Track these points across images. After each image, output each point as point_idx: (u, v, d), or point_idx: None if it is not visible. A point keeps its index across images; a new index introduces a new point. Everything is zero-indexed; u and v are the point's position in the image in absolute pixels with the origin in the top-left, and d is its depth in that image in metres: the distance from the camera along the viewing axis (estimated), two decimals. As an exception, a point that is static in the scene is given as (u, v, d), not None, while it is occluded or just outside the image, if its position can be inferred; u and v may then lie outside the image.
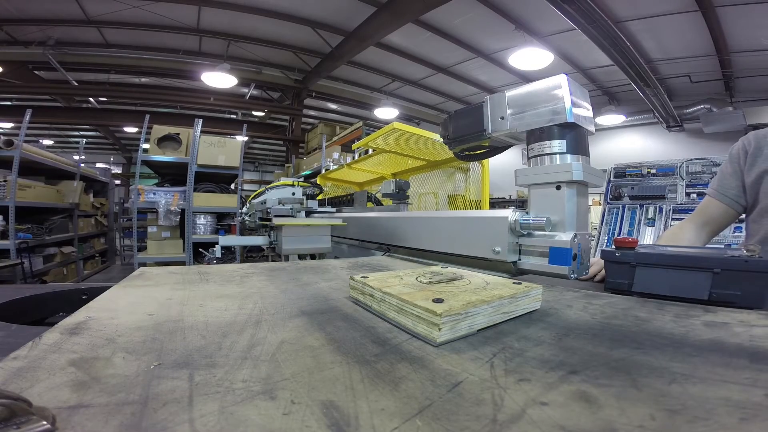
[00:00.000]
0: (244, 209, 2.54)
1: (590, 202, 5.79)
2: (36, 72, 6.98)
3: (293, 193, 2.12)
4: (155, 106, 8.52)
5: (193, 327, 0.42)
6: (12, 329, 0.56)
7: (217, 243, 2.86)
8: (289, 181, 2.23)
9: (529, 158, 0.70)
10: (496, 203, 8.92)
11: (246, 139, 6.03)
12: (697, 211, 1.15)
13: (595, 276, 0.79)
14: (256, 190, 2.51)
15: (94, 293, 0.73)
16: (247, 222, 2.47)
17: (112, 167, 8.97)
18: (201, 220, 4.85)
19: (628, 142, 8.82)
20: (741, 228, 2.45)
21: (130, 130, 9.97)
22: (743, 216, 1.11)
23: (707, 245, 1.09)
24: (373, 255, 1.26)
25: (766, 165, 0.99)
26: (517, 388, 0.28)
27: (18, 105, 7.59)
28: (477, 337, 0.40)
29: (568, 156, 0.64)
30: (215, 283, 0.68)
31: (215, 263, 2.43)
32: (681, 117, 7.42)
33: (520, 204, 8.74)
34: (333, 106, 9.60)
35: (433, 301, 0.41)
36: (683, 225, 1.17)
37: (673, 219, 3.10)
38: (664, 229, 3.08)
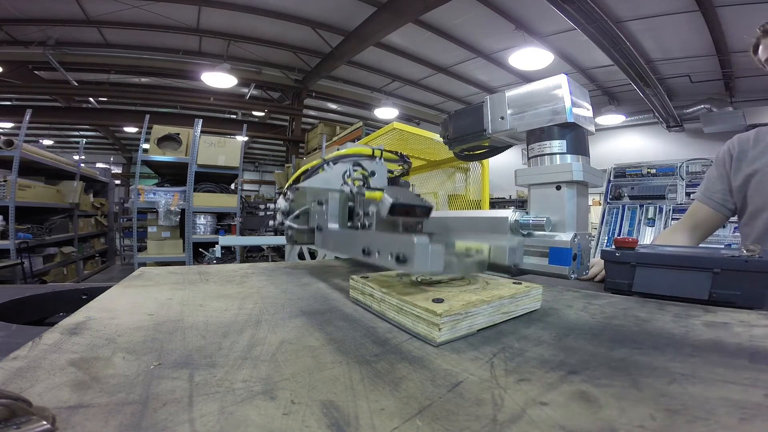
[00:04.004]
0: (282, 203, 0.98)
1: (590, 202, 5.79)
2: (36, 72, 6.98)
3: (373, 172, 0.98)
4: (155, 106, 8.51)
5: (193, 327, 0.42)
6: (12, 329, 0.56)
7: (217, 243, 2.85)
8: (363, 148, 1.02)
9: (529, 158, 0.69)
10: (496, 203, 8.92)
11: (246, 139, 6.03)
12: (687, 215, 1.16)
13: (595, 276, 0.79)
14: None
15: (94, 293, 0.73)
16: (293, 233, 0.91)
17: (112, 167, 8.97)
18: (201, 220, 4.85)
19: (628, 142, 8.82)
20: (741, 228, 2.44)
21: (130, 130, 9.96)
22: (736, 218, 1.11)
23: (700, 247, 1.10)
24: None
25: (751, 168, 0.99)
26: (517, 388, 0.28)
27: (18, 105, 7.58)
28: (477, 337, 0.40)
29: (568, 156, 0.64)
30: (215, 283, 0.68)
31: (215, 263, 2.33)
32: (681, 117, 7.42)
33: (520, 204, 8.75)
34: (333, 106, 9.60)
35: (433, 301, 0.41)
36: (675, 229, 1.18)
37: (673, 219, 3.11)
38: (665, 229, 3.08)
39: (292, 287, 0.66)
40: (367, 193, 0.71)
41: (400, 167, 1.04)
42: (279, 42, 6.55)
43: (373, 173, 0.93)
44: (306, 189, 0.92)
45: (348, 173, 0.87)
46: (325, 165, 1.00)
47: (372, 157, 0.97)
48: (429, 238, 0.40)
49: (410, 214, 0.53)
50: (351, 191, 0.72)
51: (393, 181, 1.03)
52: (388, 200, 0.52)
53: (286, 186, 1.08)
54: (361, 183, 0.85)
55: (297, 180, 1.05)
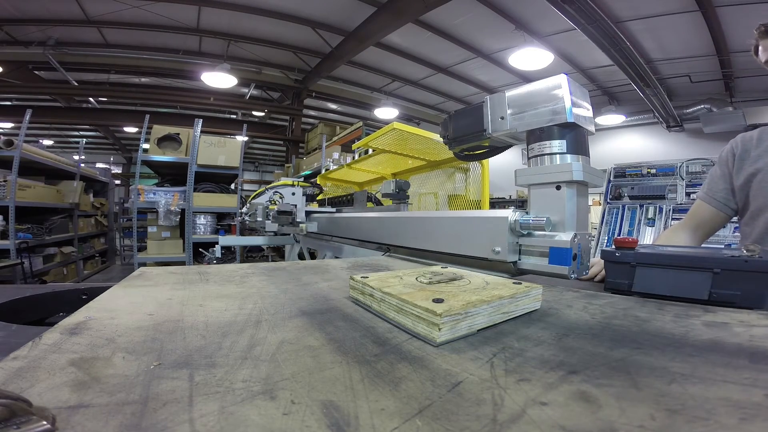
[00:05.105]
0: (244, 209, 2.46)
1: (590, 202, 5.79)
2: (36, 72, 6.98)
3: (293, 193, 2.19)
4: (155, 106, 8.52)
5: (193, 327, 0.42)
6: (12, 329, 0.56)
7: (217, 243, 2.87)
8: (289, 180, 2.27)
9: (529, 158, 0.69)
10: (496, 203, 8.91)
11: (246, 139, 6.03)
12: (689, 214, 1.15)
13: (595, 276, 0.79)
14: (256, 191, 2.46)
15: (94, 293, 0.73)
16: (248, 222, 2.40)
17: (112, 167, 8.97)
18: (201, 220, 4.85)
19: (628, 142, 8.82)
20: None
21: (130, 130, 9.97)
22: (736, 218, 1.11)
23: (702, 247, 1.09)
24: (373, 255, 1.26)
25: (753, 168, 0.99)
26: (517, 388, 0.28)
27: (18, 105, 7.59)
28: (477, 337, 0.40)
29: (568, 156, 0.64)
30: (215, 283, 0.68)
31: (215, 263, 2.39)
32: (681, 117, 7.42)
33: (520, 204, 8.74)
34: (333, 106, 9.60)
35: (433, 301, 0.41)
36: (676, 229, 1.18)
37: (673, 219, 3.10)
38: (665, 229, 3.08)
39: (292, 287, 0.66)
40: (271, 206, 2.05)
41: (315, 189, 2.18)
42: (279, 42, 6.55)
43: (293, 193, 2.14)
44: (253, 203, 2.24)
45: (270, 196, 2.14)
46: (266, 190, 2.26)
47: (293, 185, 2.16)
48: (280, 221, 1.96)
49: (286, 214, 1.86)
50: (266, 205, 2.09)
51: (311, 197, 2.17)
52: (276, 208, 1.85)
53: (249, 200, 2.41)
54: (275, 201, 1.97)
55: (257, 196, 2.31)
